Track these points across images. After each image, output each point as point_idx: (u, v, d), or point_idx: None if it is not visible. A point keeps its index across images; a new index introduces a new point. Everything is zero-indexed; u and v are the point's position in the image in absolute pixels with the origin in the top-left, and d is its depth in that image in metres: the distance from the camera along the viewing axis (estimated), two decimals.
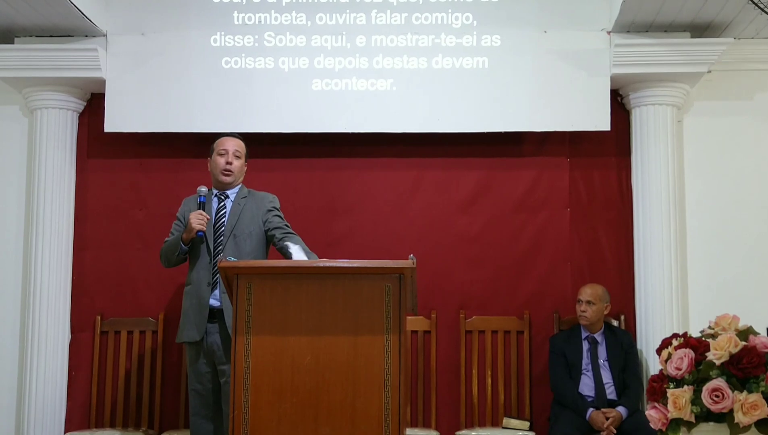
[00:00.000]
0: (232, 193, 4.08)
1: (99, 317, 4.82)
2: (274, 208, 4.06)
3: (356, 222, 4.88)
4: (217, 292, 3.88)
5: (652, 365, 4.52)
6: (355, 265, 3.28)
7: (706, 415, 2.68)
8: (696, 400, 2.69)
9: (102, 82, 4.74)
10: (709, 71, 4.71)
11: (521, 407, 4.71)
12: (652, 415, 2.80)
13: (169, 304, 4.77)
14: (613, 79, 4.70)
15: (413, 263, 3.16)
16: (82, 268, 4.88)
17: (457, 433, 4.55)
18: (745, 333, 2.79)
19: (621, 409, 4.31)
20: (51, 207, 4.78)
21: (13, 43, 4.77)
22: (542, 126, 4.72)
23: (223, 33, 4.75)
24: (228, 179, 4.05)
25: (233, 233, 3.96)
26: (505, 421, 4.58)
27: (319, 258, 3.68)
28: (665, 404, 2.75)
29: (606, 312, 4.56)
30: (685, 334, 2.89)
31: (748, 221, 4.86)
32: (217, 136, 4.18)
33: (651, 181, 4.72)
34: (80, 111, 4.96)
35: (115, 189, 4.94)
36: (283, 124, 4.72)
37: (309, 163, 4.92)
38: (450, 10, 4.73)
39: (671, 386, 2.76)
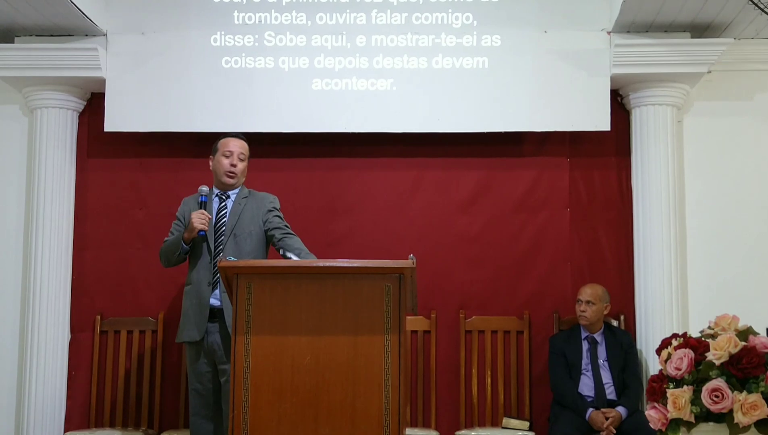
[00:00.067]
0: (233, 193, 4.08)
1: (99, 317, 4.82)
2: (274, 208, 4.06)
3: (356, 222, 4.88)
4: (217, 291, 3.88)
5: (652, 365, 4.52)
6: (355, 265, 3.28)
7: (705, 416, 2.67)
8: (696, 400, 2.68)
9: (102, 82, 4.74)
10: (709, 71, 4.72)
11: (521, 407, 4.70)
12: (652, 415, 2.79)
13: (169, 304, 4.77)
14: (613, 79, 4.70)
15: (413, 263, 3.16)
16: (82, 268, 4.88)
17: (457, 433, 4.55)
18: (744, 333, 2.78)
19: (621, 409, 4.31)
20: (51, 206, 4.78)
21: (13, 42, 4.77)
22: (542, 126, 4.72)
23: (223, 33, 4.75)
24: (231, 181, 4.06)
25: (233, 233, 3.96)
26: (505, 421, 4.58)
27: (319, 258, 3.68)
28: (665, 404, 2.75)
29: (606, 312, 4.56)
30: (684, 334, 2.89)
31: (748, 221, 4.86)
32: (217, 135, 4.18)
33: (651, 181, 4.71)
34: (80, 110, 4.96)
35: (115, 188, 4.94)
36: (283, 123, 4.72)
37: (309, 163, 4.92)
38: (450, 10, 4.73)
39: (671, 386, 2.75)
